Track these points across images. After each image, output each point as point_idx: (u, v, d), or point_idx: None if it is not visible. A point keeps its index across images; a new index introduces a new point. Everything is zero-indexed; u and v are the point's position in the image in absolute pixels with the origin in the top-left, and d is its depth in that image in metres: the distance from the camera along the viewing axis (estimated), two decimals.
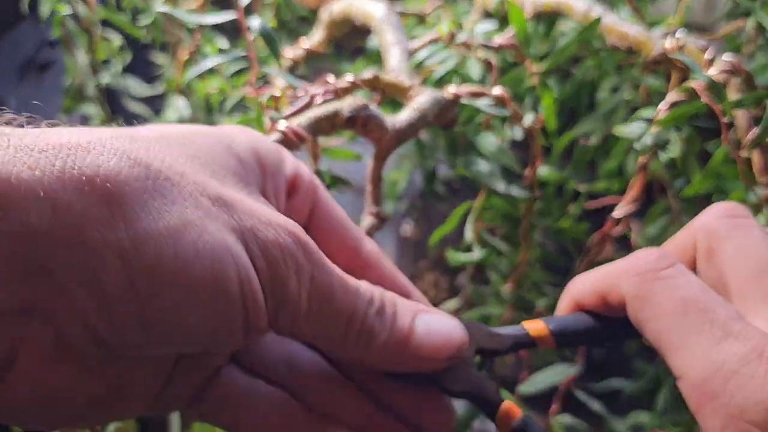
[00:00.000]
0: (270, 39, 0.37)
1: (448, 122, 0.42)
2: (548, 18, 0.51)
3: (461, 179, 0.92)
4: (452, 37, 0.45)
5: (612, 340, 0.28)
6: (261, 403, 0.25)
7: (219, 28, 0.48)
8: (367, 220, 0.37)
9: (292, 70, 0.57)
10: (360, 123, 0.36)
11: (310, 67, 0.59)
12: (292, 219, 0.24)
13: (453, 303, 0.59)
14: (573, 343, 0.29)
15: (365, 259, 0.29)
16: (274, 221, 0.22)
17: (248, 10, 0.40)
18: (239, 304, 0.21)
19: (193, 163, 0.22)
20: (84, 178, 0.18)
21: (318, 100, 0.40)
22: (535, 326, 0.28)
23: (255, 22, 0.37)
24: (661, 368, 0.54)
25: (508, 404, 0.26)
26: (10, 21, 0.94)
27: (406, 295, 0.29)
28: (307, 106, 0.41)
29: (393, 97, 0.43)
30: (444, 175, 0.74)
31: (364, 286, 0.25)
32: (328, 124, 0.36)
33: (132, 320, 0.19)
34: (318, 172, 0.39)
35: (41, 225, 0.17)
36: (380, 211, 0.38)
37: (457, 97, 0.41)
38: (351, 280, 0.25)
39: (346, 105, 0.36)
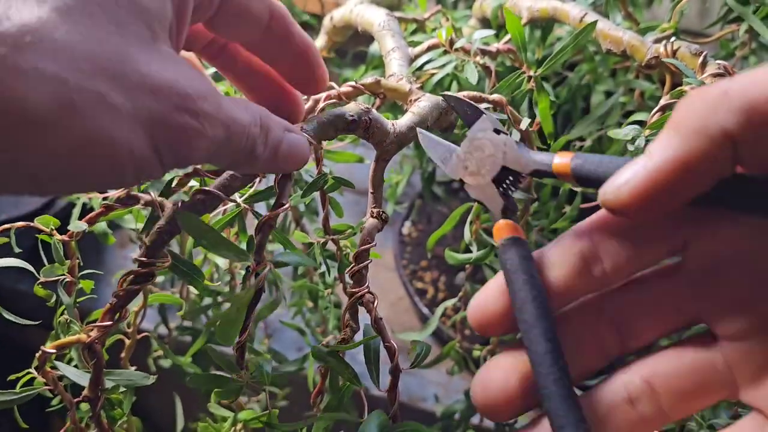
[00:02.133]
0: None
1: (448, 126, 0.43)
2: (544, 24, 0.52)
3: (460, 180, 0.93)
4: (452, 42, 0.46)
5: None
6: None
7: None
8: (370, 222, 0.38)
9: None
10: (363, 127, 0.37)
11: None
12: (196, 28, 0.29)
13: (452, 301, 0.60)
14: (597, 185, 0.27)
15: (274, 27, 0.32)
16: (183, 104, 0.24)
17: None
18: (131, 176, 0.24)
19: (101, 48, 0.23)
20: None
21: (321, 104, 0.41)
22: (561, 160, 0.28)
23: None
24: None
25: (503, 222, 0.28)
26: None
27: (307, 49, 0.33)
28: (311, 110, 0.42)
29: (394, 101, 0.44)
30: (443, 177, 0.75)
31: (251, 118, 0.28)
32: (332, 129, 0.37)
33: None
34: (322, 174, 0.40)
35: None
36: (382, 212, 0.39)
37: None
38: (243, 117, 0.28)
39: (349, 109, 0.37)
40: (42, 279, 0.34)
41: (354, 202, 0.99)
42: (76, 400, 0.35)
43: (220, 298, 0.53)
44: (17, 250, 0.37)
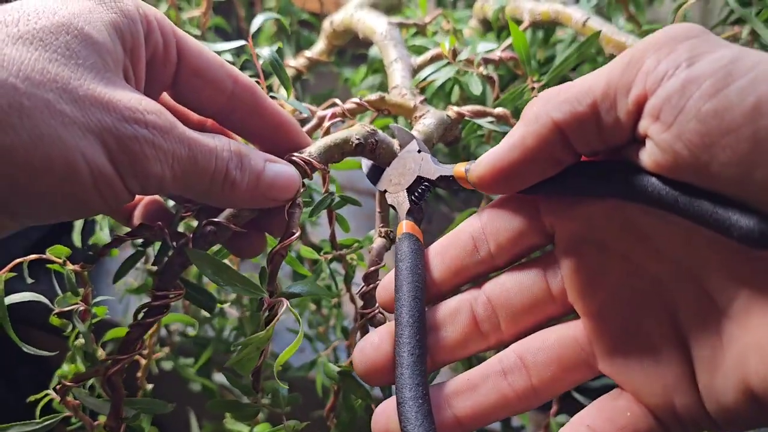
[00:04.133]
0: (279, 68, 0.38)
1: (453, 140, 0.44)
2: (546, 27, 0.52)
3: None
4: (455, 54, 0.46)
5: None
6: None
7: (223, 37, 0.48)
8: (378, 242, 0.38)
9: (297, 78, 0.58)
10: (369, 149, 0.37)
11: (314, 73, 0.60)
12: (157, 85, 0.29)
13: None
14: None
15: (240, 94, 0.32)
16: (131, 115, 0.25)
17: (252, 18, 0.41)
18: (94, 194, 0.25)
19: (52, 66, 0.24)
20: None
21: (326, 123, 0.41)
22: (459, 167, 0.32)
23: (265, 52, 0.38)
24: None
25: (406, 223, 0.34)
26: None
27: (282, 121, 0.34)
28: (316, 127, 0.42)
29: (398, 115, 0.44)
30: None
31: (219, 143, 0.29)
32: (338, 152, 0.37)
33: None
34: (329, 193, 0.40)
35: None
36: (389, 231, 0.39)
37: (460, 117, 0.42)
38: (208, 141, 0.28)
39: (355, 132, 0.37)
40: (57, 309, 0.34)
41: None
42: (96, 423, 0.36)
43: (225, 306, 0.54)
44: (16, 246, 0.37)
